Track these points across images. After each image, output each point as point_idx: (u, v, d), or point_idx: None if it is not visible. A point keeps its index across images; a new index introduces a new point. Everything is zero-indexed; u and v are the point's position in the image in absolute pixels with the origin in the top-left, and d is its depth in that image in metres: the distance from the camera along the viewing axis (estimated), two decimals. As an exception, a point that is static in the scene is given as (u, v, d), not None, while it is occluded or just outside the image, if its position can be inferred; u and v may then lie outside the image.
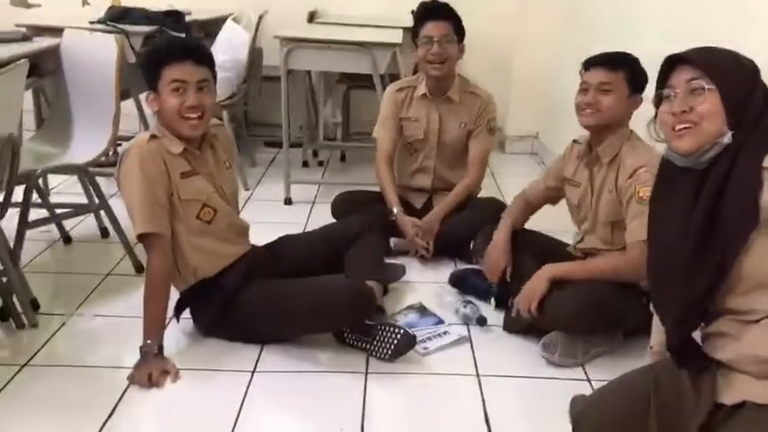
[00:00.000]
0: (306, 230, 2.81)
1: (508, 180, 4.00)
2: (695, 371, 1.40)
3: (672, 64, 1.41)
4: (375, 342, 2.12)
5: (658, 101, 1.44)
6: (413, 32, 2.87)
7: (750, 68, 1.38)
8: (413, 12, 2.95)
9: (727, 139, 1.33)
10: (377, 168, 2.97)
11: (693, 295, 1.38)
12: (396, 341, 2.09)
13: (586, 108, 2.17)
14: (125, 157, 2.01)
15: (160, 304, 2.03)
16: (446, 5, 2.87)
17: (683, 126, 1.36)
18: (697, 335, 1.47)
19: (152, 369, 1.96)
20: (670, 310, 1.45)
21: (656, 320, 1.65)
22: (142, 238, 2.02)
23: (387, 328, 2.12)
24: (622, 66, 2.15)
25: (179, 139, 2.06)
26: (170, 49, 2.09)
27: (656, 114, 1.46)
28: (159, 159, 2.01)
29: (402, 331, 2.10)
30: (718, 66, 1.36)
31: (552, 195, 2.50)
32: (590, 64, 2.20)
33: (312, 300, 2.10)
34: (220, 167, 2.20)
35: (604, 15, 3.47)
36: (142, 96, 3.75)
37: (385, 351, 2.10)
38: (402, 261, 2.79)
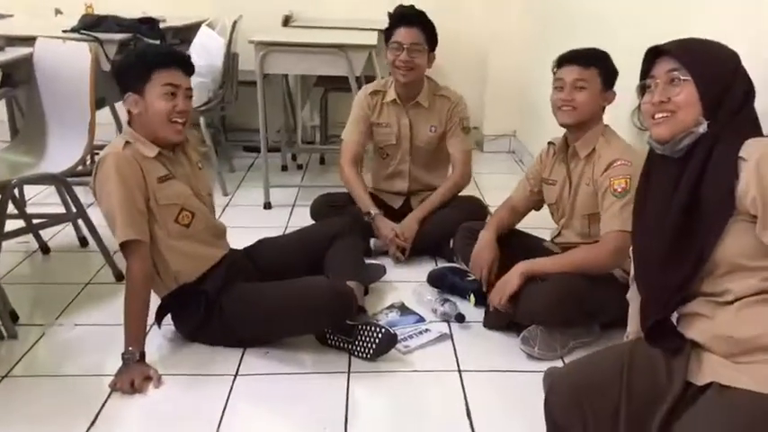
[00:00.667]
0: (285, 233, 2.81)
1: (487, 178, 4.03)
2: (670, 351, 1.43)
3: (654, 55, 1.46)
4: (357, 342, 2.13)
5: (642, 91, 1.49)
6: (386, 35, 2.88)
7: (730, 60, 1.41)
8: (389, 13, 2.95)
9: (702, 128, 1.37)
10: (341, 171, 2.97)
11: (673, 281, 1.42)
12: (377, 340, 2.10)
13: (563, 105, 2.20)
14: (101, 165, 2.01)
15: (141, 311, 2.03)
16: (421, 13, 2.86)
17: (660, 115, 1.41)
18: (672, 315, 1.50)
19: (134, 375, 1.96)
20: (651, 294, 1.48)
21: (631, 309, 1.69)
22: (123, 245, 2.01)
23: (368, 328, 2.13)
24: (595, 62, 2.19)
25: (153, 144, 2.06)
26: (162, 53, 2.09)
27: (640, 105, 1.50)
28: (135, 165, 2.01)
29: (383, 330, 2.11)
30: (695, 57, 1.40)
31: (535, 199, 2.51)
32: (563, 61, 2.23)
33: (293, 301, 2.11)
34: (194, 169, 2.20)
35: (578, 12, 3.51)
36: (119, 104, 3.76)
37: (367, 351, 2.12)
38: (382, 261, 2.81)
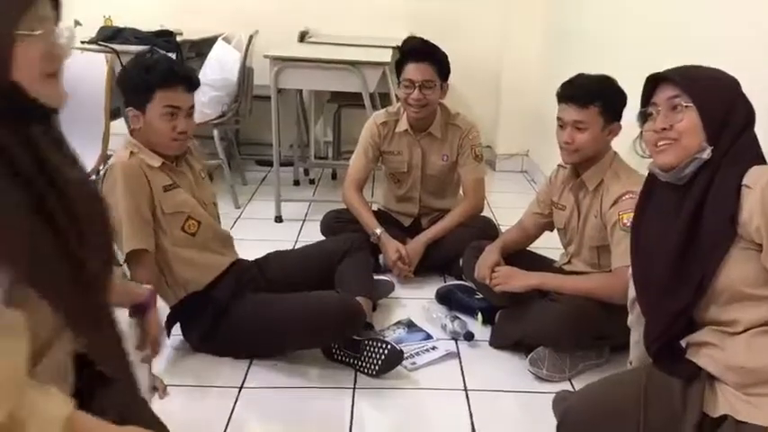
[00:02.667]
0: (296, 248, 2.81)
1: (498, 198, 4.02)
2: (685, 379, 1.41)
3: (655, 82, 1.45)
4: (363, 358, 2.12)
5: (643, 119, 1.48)
6: (396, 69, 2.83)
7: (730, 86, 1.41)
8: (398, 47, 2.90)
9: (707, 154, 1.36)
10: (344, 196, 2.95)
11: (674, 308, 1.40)
12: (383, 356, 2.09)
13: (564, 146, 2.17)
14: (109, 174, 2.01)
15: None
16: (431, 47, 2.80)
17: (663, 142, 1.40)
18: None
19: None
20: (654, 319, 1.46)
21: (633, 336, 1.66)
22: (128, 254, 2.02)
23: (374, 344, 2.12)
24: (594, 99, 2.11)
25: (156, 154, 2.06)
26: (164, 72, 2.06)
27: (642, 133, 1.49)
28: (141, 174, 2.01)
29: (389, 347, 2.10)
30: (696, 83, 1.39)
31: (546, 222, 2.47)
32: (562, 98, 2.17)
33: (303, 314, 2.10)
34: (198, 179, 2.21)
35: (590, 31, 3.52)
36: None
37: (373, 367, 2.10)
38: (391, 277, 2.80)
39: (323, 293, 2.24)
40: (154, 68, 2.04)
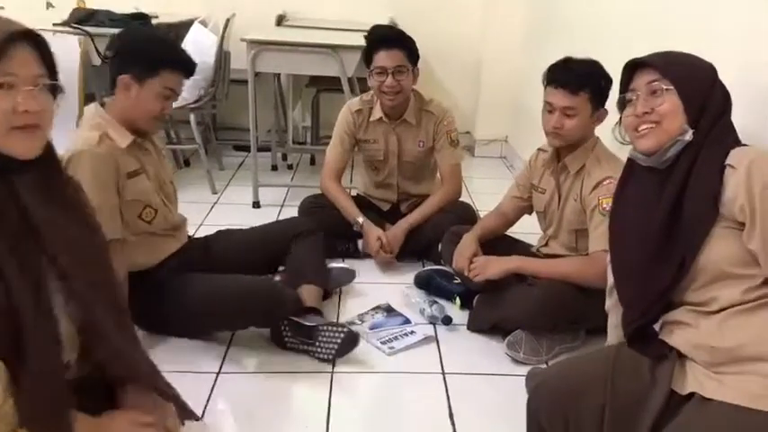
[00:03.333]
0: (248, 228, 2.73)
1: (477, 183, 4.03)
2: (655, 358, 1.43)
3: (633, 68, 1.46)
4: (317, 343, 2.11)
5: (622, 105, 1.49)
6: (365, 58, 2.80)
7: (708, 70, 1.43)
8: (366, 36, 2.87)
9: (689, 136, 1.38)
10: (323, 185, 2.95)
11: (656, 290, 1.42)
12: (339, 340, 2.08)
13: (553, 131, 2.15)
14: (75, 161, 1.90)
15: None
16: (399, 33, 2.81)
17: (645, 126, 1.41)
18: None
19: None
20: (633, 304, 1.48)
21: (611, 320, 1.68)
22: None
23: (329, 328, 2.11)
24: (585, 85, 2.09)
25: (127, 131, 2.02)
26: (175, 55, 2.05)
27: (621, 119, 1.50)
28: (111, 163, 1.96)
29: (345, 330, 2.09)
30: (675, 67, 1.41)
31: (525, 205, 2.48)
32: (552, 83, 2.13)
33: (228, 296, 2.08)
34: (160, 156, 2.20)
35: (571, 18, 3.52)
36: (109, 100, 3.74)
37: (328, 351, 2.09)
38: (370, 263, 2.81)
39: (254, 278, 2.20)
40: (165, 45, 2.05)
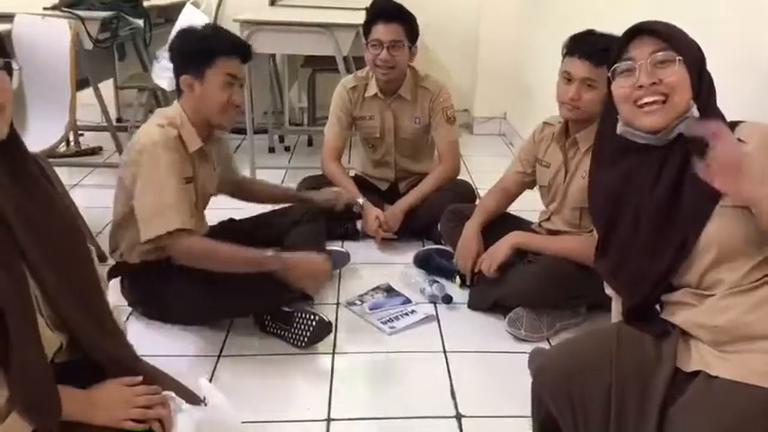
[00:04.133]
0: (245, 218, 2.73)
1: (477, 160, 4.01)
2: (658, 336, 1.40)
3: (631, 36, 1.38)
4: (293, 329, 2.10)
5: (613, 76, 1.41)
6: (363, 31, 2.77)
7: (696, 44, 1.38)
8: (366, 8, 2.84)
9: (695, 111, 1.32)
10: (324, 167, 2.94)
11: (657, 272, 1.39)
12: (311, 328, 2.07)
13: (569, 101, 2.10)
14: (149, 152, 1.95)
15: (236, 253, 2.02)
16: (400, 7, 2.76)
17: (652, 99, 1.33)
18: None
19: None
20: (634, 286, 1.46)
21: (614, 306, 1.64)
22: (172, 233, 1.96)
23: (303, 315, 2.10)
24: (607, 59, 2.08)
25: (199, 134, 2.06)
26: (227, 40, 2.06)
27: (611, 90, 1.43)
28: (182, 160, 2.00)
29: (317, 318, 2.08)
30: (680, 37, 1.35)
31: (528, 180, 2.45)
32: (576, 51, 2.07)
33: (217, 286, 2.06)
34: (211, 171, 2.20)
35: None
36: (102, 85, 3.71)
37: (302, 338, 2.09)
38: (369, 243, 2.80)
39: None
40: (214, 35, 2.05)
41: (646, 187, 1.39)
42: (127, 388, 1.26)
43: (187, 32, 2.09)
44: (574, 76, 2.08)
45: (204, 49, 2.01)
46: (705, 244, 1.33)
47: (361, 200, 2.82)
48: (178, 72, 2.05)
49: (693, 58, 1.34)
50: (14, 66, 1.16)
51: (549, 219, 2.37)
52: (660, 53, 1.34)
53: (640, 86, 1.35)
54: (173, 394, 1.32)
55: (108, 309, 1.36)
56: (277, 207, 2.62)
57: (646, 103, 1.35)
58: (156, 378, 1.35)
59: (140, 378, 1.28)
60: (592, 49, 2.05)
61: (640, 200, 1.40)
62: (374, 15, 2.73)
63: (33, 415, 1.09)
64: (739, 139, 1.27)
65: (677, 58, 1.32)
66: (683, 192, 1.34)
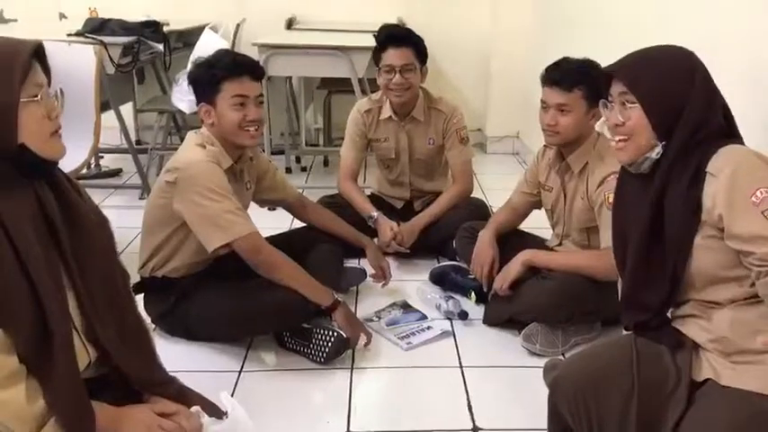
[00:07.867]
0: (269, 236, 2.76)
1: (490, 179, 4.04)
2: (672, 346, 1.41)
3: (609, 75, 1.42)
4: (312, 345, 2.14)
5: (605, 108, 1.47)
6: (374, 57, 2.85)
7: (683, 77, 1.34)
8: (374, 34, 2.91)
9: (656, 154, 1.35)
10: (340, 187, 2.99)
11: (654, 300, 1.41)
12: (330, 343, 2.10)
13: (547, 129, 2.18)
14: (193, 170, 2.01)
15: (297, 270, 2.11)
16: (408, 31, 2.85)
17: (619, 138, 1.40)
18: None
19: None
20: (633, 304, 1.47)
21: None
22: (243, 240, 2.02)
23: (321, 332, 2.12)
24: (578, 83, 2.11)
25: (229, 154, 2.12)
26: (228, 64, 2.11)
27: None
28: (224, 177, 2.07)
29: (335, 334, 2.10)
30: (642, 80, 1.36)
31: (535, 200, 2.49)
32: (545, 82, 2.17)
33: (243, 305, 2.12)
34: (243, 189, 2.26)
35: (580, 12, 3.53)
36: (123, 108, 3.80)
37: (320, 355, 2.12)
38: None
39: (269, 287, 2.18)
40: (218, 61, 2.11)
41: (636, 210, 1.43)
42: (155, 416, 1.30)
43: (198, 64, 2.17)
44: (548, 103, 2.16)
45: (209, 78, 2.09)
46: (695, 269, 1.35)
47: (375, 213, 2.87)
48: (197, 102, 2.14)
49: (659, 101, 1.34)
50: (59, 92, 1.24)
51: (560, 243, 2.40)
52: (623, 96, 1.38)
53: (609, 127, 1.42)
54: (200, 409, 1.37)
55: (144, 327, 1.42)
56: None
57: (617, 140, 1.41)
58: (184, 395, 1.40)
59: (176, 407, 1.33)
60: (559, 75, 2.14)
61: (632, 221, 1.44)
62: (384, 41, 2.80)
63: (71, 430, 1.14)
64: (710, 173, 1.28)
65: (632, 105, 1.36)
66: (665, 219, 1.36)
